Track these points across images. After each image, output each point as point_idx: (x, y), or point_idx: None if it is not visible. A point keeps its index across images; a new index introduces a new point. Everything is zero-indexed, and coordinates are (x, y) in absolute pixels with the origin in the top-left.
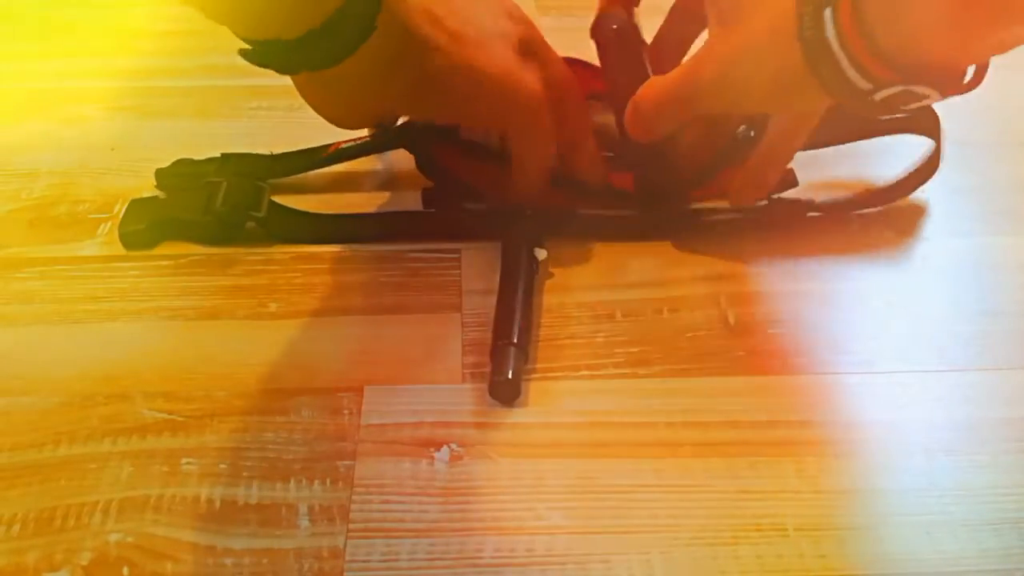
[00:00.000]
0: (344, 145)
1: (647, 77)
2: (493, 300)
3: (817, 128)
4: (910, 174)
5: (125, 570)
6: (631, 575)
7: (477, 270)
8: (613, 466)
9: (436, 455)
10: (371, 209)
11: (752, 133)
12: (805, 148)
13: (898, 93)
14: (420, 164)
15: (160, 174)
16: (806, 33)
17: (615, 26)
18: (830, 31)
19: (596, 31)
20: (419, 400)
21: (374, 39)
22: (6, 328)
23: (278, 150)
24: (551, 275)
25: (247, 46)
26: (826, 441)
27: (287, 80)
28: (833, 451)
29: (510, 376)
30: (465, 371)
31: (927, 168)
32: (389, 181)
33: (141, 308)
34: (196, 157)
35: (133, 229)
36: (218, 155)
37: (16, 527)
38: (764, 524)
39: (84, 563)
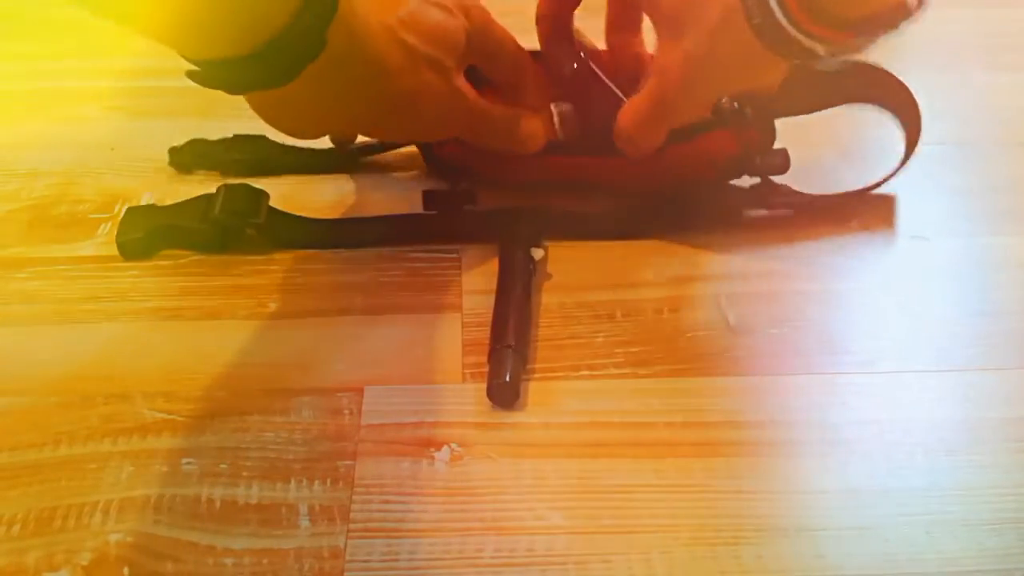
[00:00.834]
0: (354, 147)
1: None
2: (493, 300)
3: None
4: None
5: (125, 570)
6: (631, 575)
7: (477, 270)
8: (613, 466)
9: (436, 455)
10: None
11: (736, 104)
12: (793, 114)
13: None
14: (427, 158)
15: (174, 152)
16: (756, 23)
17: (575, 65)
18: (780, 16)
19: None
20: (419, 400)
21: (326, 57)
22: (6, 328)
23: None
24: (551, 275)
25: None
26: (826, 441)
27: None
28: (833, 451)
29: (508, 379)
30: (465, 371)
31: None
32: (389, 188)
33: (141, 308)
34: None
35: (130, 238)
36: (231, 136)
37: (16, 527)
38: (764, 524)
39: (84, 563)
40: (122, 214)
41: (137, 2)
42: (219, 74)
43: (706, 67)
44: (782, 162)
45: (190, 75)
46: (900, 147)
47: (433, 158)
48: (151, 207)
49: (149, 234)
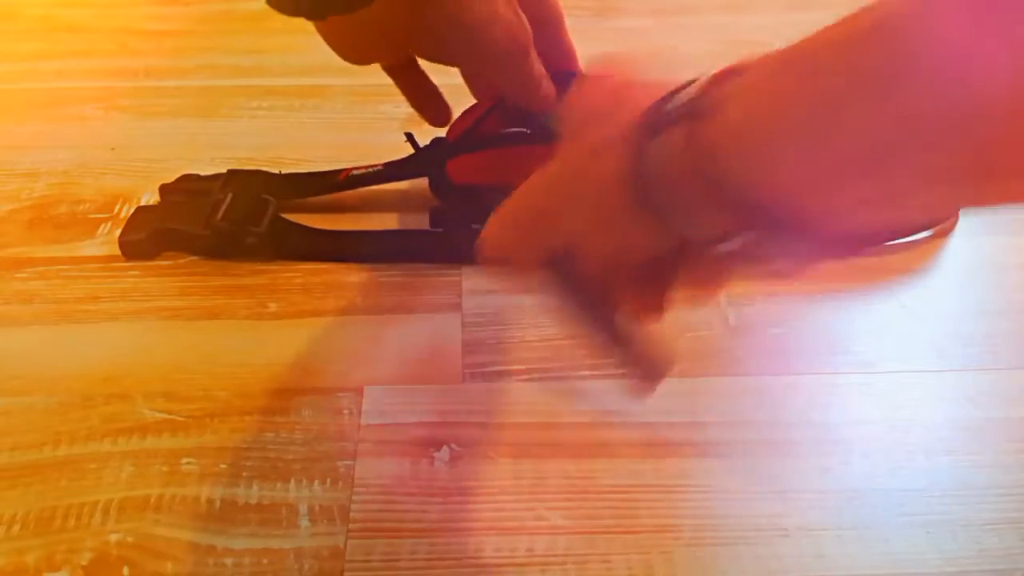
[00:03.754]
0: (356, 172)
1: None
2: (493, 300)
3: None
4: None
5: (125, 570)
6: (631, 575)
7: (477, 271)
8: (613, 466)
9: (436, 455)
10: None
11: None
12: None
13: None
14: (434, 185)
15: (165, 189)
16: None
17: None
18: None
19: None
20: (419, 400)
21: None
22: (6, 328)
23: (282, 154)
24: None
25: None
26: (826, 441)
27: (287, 80)
28: (833, 451)
29: None
30: (465, 371)
31: None
32: (398, 202)
33: (141, 308)
34: (201, 171)
35: (133, 239)
36: (224, 171)
37: (16, 527)
38: (764, 524)
39: (84, 563)
40: (130, 213)
41: None
42: (301, 3)
43: (570, 189)
44: None
45: (269, 3)
46: None
47: (444, 183)
48: (160, 207)
49: (151, 236)
